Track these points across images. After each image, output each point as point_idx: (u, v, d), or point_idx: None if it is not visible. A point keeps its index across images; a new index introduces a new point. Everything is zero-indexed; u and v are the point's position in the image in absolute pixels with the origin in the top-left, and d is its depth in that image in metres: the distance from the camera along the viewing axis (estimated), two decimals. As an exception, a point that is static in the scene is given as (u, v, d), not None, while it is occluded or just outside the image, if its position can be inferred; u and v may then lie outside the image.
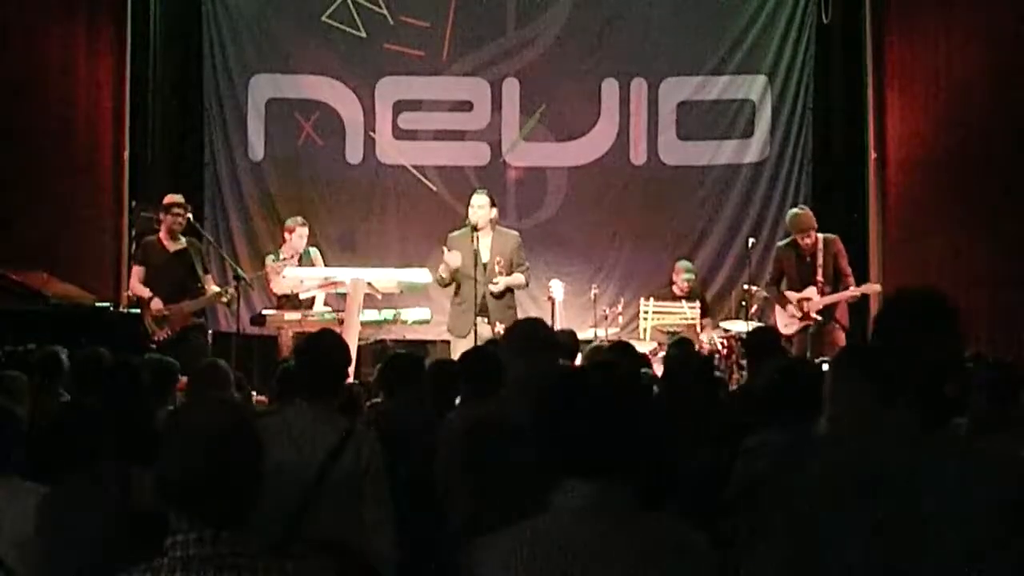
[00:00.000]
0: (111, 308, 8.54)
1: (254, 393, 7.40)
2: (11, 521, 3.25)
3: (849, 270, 8.95)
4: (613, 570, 2.12)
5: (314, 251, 9.31)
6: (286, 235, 9.27)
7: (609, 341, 8.43)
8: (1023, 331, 8.08)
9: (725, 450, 4.08)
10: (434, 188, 10.85)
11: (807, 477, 2.30)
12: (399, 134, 10.95)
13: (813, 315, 8.75)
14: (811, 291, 8.78)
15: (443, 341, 9.22)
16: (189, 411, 2.56)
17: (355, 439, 3.76)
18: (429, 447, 4.08)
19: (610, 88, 10.91)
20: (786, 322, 8.90)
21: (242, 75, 10.86)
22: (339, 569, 3.31)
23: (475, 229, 8.52)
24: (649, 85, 10.90)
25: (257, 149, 10.90)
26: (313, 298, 9.06)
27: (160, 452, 2.20)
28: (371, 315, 8.55)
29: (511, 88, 10.93)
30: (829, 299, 8.77)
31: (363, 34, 10.86)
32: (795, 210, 9.28)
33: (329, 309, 8.90)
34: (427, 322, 8.96)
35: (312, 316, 8.69)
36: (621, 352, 5.46)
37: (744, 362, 8.01)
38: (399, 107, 10.92)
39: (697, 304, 9.67)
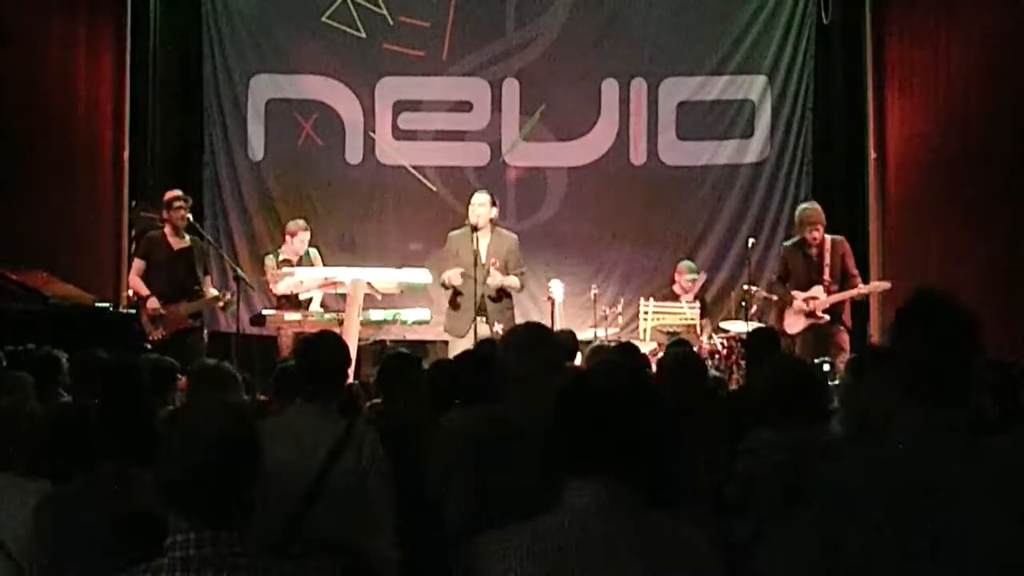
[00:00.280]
0: (111, 308, 8.53)
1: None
2: (9, 515, 3.26)
3: (856, 271, 8.90)
4: (613, 570, 2.12)
5: (314, 251, 9.31)
6: (287, 237, 9.27)
7: (610, 341, 8.44)
8: (1023, 331, 8.07)
9: (724, 449, 4.08)
10: (434, 188, 10.85)
11: (835, 478, 2.30)
12: (399, 134, 10.95)
13: (820, 314, 8.71)
14: (817, 290, 8.74)
15: (443, 342, 9.21)
16: (189, 411, 2.56)
17: (355, 439, 3.76)
18: (429, 447, 4.08)
19: (610, 88, 10.91)
20: (792, 321, 8.85)
21: (242, 75, 10.86)
22: (339, 569, 3.31)
23: (475, 229, 8.51)
24: (649, 85, 10.90)
25: (257, 149, 10.90)
26: (311, 299, 9.06)
27: (160, 452, 2.20)
28: (374, 315, 8.55)
29: (511, 88, 10.93)
30: (836, 298, 8.71)
31: (363, 34, 10.86)
32: (804, 204, 9.22)
33: (323, 311, 8.89)
34: (427, 322, 8.97)
35: (312, 316, 8.69)
36: (627, 353, 5.47)
37: (744, 362, 8.02)
38: (399, 107, 10.92)
39: (697, 304, 9.66)
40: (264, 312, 8.83)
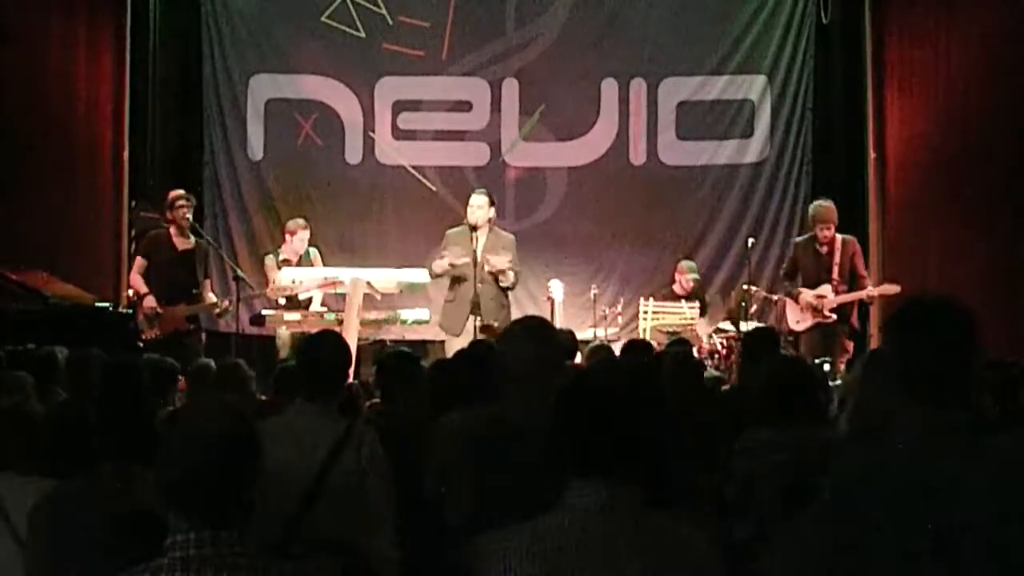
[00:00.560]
0: (111, 308, 8.52)
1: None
2: (12, 510, 3.27)
3: (865, 273, 8.87)
4: (613, 570, 2.12)
5: (313, 251, 9.31)
6: (287, 236, 9.27)
7: (610, 341, 8.44)
8: (1023, 331, 8.07)
9: (724, 449, 4.08)
10: (433, 188, 10.85)
11: (843, 477, 2.30)
12: (398, 134, 10.95)
13: (827, 313, 8.68)
14: (826, 288, 8.71)
15: (442, 341, 9.22)
16: (189, 411, 2.56)
17: (355, 439, 3.76)
18: (428, 447, 4.08)
19: (610, 88, 10.91)
20: (798, 318, 8.82)
21: (242, 75, 10.85)
22: (339, 569, 3.31)
23: (473, 229, 8.52)
24: (649, 85, 10.90)
25: (257, 149, 10.90)
26: (311, 299, 9.06)
27: (160, 452, 2.20)
28: (371, 315, 8.56)
29: (511, 88, 10.93)
30: (844, 298, 8.67)
31: (362, 34, 10.86)
32: (819, 201, 9.10)
33: (327, 309, 8.90)
34: (426, 322, 8.97)
35: (312, 316, 8.69)
36: (638, 351, 5.50)
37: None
38: (398, 107, 10.92)
39: (697, 304, 9.66)
40: (263, 312, 8.83)
